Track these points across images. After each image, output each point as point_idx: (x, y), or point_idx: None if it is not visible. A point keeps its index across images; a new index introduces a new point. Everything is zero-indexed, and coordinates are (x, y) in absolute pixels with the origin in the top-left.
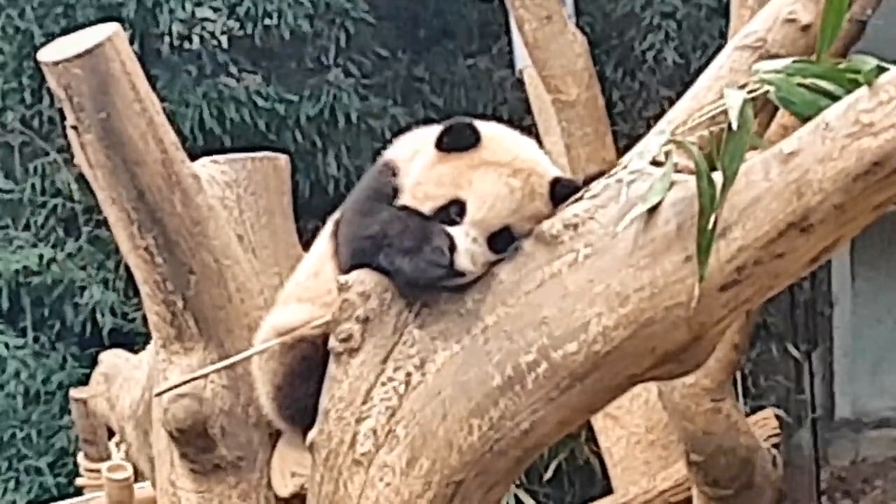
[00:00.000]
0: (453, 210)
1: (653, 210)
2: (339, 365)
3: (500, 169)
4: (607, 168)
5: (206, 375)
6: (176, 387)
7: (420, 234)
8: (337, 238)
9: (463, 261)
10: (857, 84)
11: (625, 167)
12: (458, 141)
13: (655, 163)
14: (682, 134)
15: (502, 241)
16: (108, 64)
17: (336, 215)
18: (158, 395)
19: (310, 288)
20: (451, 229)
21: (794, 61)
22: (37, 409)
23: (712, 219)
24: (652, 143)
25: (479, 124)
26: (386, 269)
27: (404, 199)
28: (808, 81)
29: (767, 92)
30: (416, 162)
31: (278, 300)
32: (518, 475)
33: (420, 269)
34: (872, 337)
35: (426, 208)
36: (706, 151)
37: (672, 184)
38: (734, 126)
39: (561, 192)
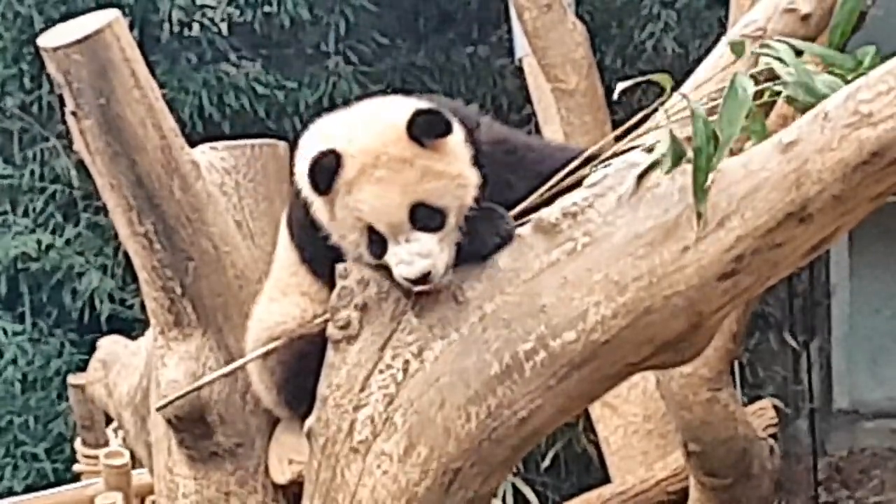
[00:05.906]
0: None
1: (652, 193)
2: (338, 352)
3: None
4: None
5: (201, 385)
6: (180, 398)
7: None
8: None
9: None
10: None
11: (622, 154)
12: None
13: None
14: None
15: (424, 215)
16: (107, 50)
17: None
18: (160, 409)
19: (290, 285)
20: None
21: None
22: (34, 395)
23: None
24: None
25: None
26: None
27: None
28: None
29: (773, 70)
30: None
31: (263, 291)
32: (515, 463)
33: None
34: (870, 327)
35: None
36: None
37: (672, 166)
38: (738, 96)
39: (421, 127)
